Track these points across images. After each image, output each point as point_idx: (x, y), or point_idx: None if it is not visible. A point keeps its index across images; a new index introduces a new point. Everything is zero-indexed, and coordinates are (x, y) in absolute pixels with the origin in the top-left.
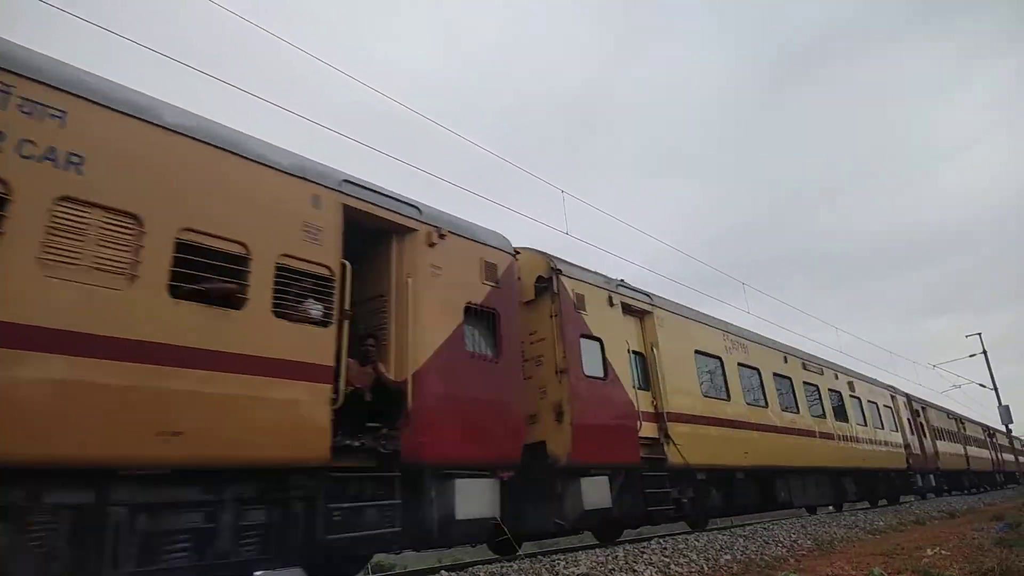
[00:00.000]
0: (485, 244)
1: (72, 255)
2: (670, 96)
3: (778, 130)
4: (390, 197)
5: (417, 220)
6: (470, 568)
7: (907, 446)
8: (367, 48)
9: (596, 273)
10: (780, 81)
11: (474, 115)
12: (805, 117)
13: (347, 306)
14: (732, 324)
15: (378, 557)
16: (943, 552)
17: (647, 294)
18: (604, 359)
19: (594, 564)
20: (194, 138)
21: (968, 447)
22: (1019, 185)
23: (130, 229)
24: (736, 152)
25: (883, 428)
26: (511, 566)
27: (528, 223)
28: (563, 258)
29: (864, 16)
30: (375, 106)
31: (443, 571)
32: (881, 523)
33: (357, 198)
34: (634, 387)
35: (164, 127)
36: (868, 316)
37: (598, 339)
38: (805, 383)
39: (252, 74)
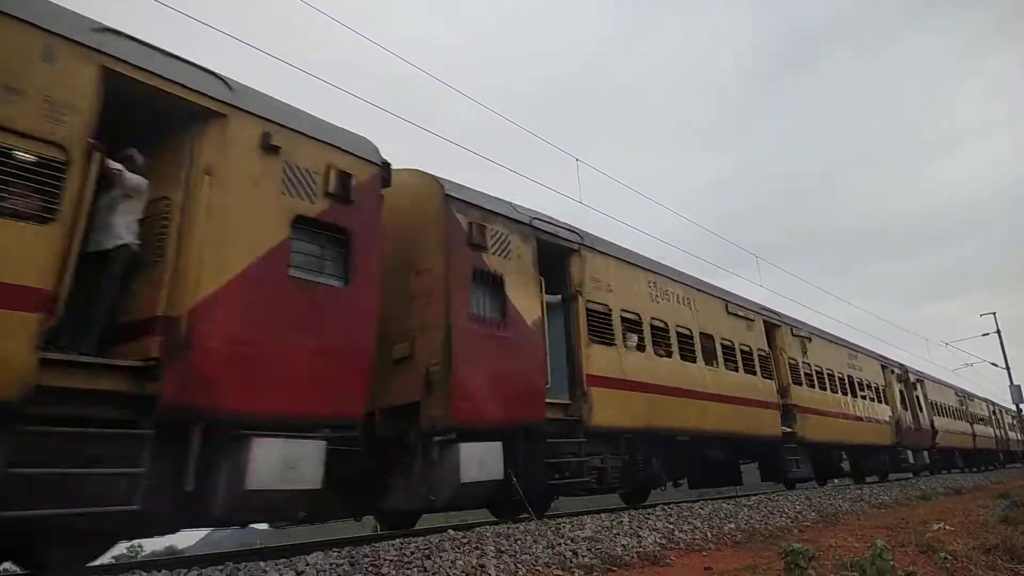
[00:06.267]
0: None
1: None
2: (680, 73)
3: (788, 112)
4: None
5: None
6: (477, 529)
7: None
8: (374, 13)
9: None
10: (790, 64)
11: (479, 87)
12: (815, 100)
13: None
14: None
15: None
16: (948, 527)
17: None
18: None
19: (599, 528)
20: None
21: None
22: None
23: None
24: (746, 132)
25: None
26: (517, 527)
27: (542, 190)
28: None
29: (872, 7)
30: (379, 69)
31: (451, 530)
32: (886, 497)
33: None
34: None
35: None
36: (877, 296)
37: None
38: None
39: (255, 29)
